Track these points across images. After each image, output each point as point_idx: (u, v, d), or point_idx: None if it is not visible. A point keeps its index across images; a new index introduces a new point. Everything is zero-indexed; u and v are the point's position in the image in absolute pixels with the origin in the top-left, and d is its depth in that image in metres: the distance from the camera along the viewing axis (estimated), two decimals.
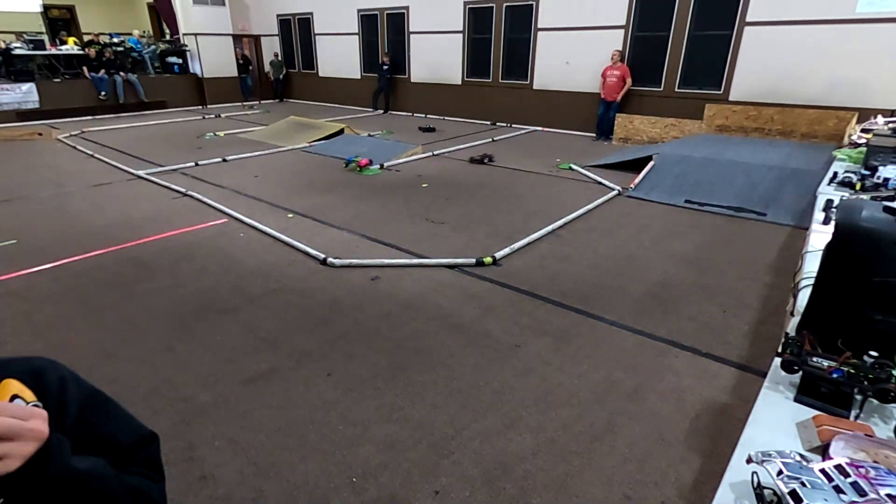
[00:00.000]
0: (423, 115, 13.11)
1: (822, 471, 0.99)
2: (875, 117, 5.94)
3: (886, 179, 3.39)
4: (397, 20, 12.93)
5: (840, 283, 1.43)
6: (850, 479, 0.96)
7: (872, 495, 0.92)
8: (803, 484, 0.95)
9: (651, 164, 6.63)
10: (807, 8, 7.64)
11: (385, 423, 2.43)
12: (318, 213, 5.49)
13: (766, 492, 1.03)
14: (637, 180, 6.42)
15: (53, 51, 12.79)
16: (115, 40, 14.12)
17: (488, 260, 4.19)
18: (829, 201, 3.08)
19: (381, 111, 13.80)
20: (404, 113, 13.53)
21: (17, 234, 4.82)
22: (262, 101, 15.96)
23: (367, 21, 13.63)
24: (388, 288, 3.80)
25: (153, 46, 14.75)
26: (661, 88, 9.32)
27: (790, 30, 7.87)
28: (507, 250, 4.40)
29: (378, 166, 7.47)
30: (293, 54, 15.94)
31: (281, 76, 16.12)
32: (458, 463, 2.19)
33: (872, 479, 0.96)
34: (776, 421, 1.32)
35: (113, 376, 2.77)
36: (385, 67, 13.20)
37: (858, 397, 1.33)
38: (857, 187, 3.43)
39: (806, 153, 6.53)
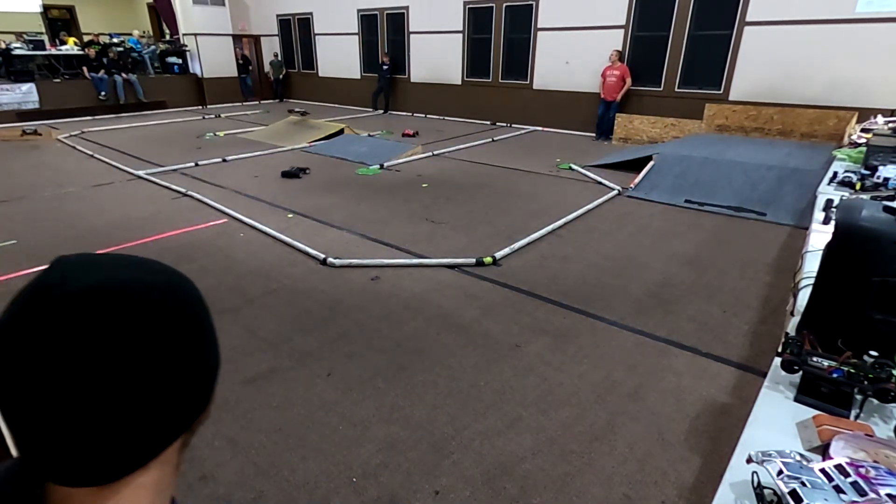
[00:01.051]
0: (424, 116, 13.11)
1: (823, 470, 0.99)
2: (875, 117, 5.94)
3: (886, 179, 3.39)
4: (397, 20, 12.93)
5: (840, 283, 1.43)
6: (850, 479, 0.96)
7: (872, 495, 0.92)
8: (803, 484, 0.95)
9: (651, 163, 6.63)
10: (807, 8, 7.64)
11: (385, 423, 2.43)
12: (318, 213, 5.49)
13: (766, 492, 1.03)
14: (637, 180, 6.42)
15: (53, 51, 12.79)
16: (115, 40, 14.13)
17: (488, 260, 4.19)
18: (829, 201, 3.08)
19: (381, 111, 13.79)
20: (404, 113, 13.53)
21: (17, 234, 4.82)
22: (262, 101, 15.95)
23: (367, 21, 13.62)
24: (388, 288, 3.80)
25: (153, 46, 14.75)
26: (661, 88, 9.32)
27: (790, 30, 7.86)
28: (507, 250, 4.40)
29: (378, 166, 7.47)
30: (293, 54, 15.93)
31: (281, 76, 16.10)
32: (459, 463, 2.19)
33: (872, 478, 0.96)
34: (776, 421, 1.32)
35: None
36: (385, 67, 13.19)
37: (858, 397, 1.33)
38: (857, 187, 3.43)
39: (806, 153, 6.53)
